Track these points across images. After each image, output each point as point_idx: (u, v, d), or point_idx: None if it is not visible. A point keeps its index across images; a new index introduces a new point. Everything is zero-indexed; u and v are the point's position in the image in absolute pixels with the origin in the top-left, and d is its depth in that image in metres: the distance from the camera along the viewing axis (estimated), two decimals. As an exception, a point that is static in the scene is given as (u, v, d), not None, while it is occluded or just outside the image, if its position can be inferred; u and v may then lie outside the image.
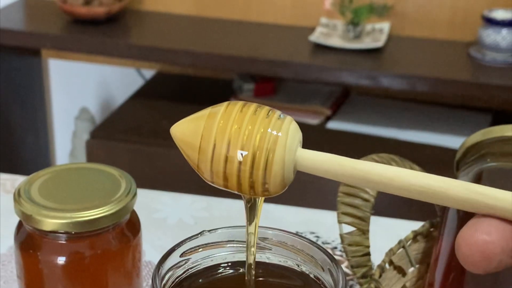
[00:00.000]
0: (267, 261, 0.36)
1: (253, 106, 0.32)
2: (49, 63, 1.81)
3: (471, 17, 1.51)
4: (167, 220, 0.65)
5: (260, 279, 0.36)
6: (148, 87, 1.73)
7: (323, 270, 0.34)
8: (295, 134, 0.31)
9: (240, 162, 0.30)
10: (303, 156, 0.30)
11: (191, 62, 1.50)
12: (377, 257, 0.48)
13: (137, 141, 1.50)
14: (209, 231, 0.35)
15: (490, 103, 1.56)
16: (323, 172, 0.30)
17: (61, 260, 0.43)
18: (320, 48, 1.49)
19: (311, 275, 0.35)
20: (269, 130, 0.30)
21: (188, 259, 0.35)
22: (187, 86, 1.74)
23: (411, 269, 0.49)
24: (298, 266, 0.35)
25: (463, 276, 0.44)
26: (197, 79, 1.76)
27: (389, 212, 0.67)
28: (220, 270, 0.36)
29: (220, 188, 0.31)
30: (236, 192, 0.31)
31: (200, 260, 0.35)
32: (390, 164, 0.49)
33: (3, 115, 1.66)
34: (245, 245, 0.36)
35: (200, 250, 0.35)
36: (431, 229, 0.50)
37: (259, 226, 0.36)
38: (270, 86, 1.64)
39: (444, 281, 0.44)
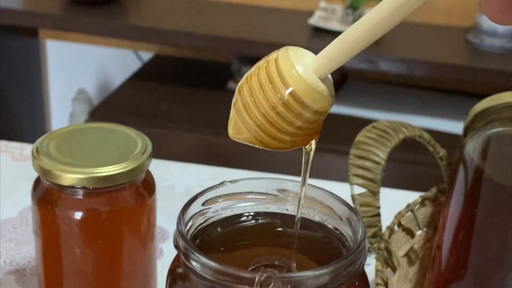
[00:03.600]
0: (286, 212, 0.37)
1: (252, 68, 0.33)
2: (47, 44, 1.80)
3: (469, 2, 1.52)
4: (175, 189, 0.66)
5: (279, 229, 0.37)
6: (145, 69, 1.74)
7: (341, 220, 0.35)
8: (295, 53, 0.31)
9: (274, 109, 0.31)
10: (317, 63, 0.31)
11: (190, 43, 1.50)
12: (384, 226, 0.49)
13: (134, 122, 1.50)
14: (230, 181, 0.36)
15: (487, 88, 1.58)
16: (340, 60, 0.31)
17: (78, 215, 0.44)
18: (319, 31, 1.50)
19: (330, 226, 0.36)
20: (273, 66, 0.31)
21: (209, 208, 0.36)
22: (185, 69, 1.74)
23: (419, 232, 0.50)
24: (317, 217, 0.36)
25: (471, 239, 0.45)
26: (195, 62, 1.77)
27: (395, 185, 0.68)
28: (239, 220, 0.36)
29: (296, 147, 0.32)
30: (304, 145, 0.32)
31: (221, 210, 0.36)
32: (400, 129, 0.50)
33: (0, 96, 1.66)
34: (264, 197, 0.37)
35: (220, 200, 0.36)
36: (438, 195, 0.51)
37: (277, 178, 0.37)
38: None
39: (452, 244, 0.45)
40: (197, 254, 0.31)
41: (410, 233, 0.49)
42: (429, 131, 0.53)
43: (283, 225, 0.37)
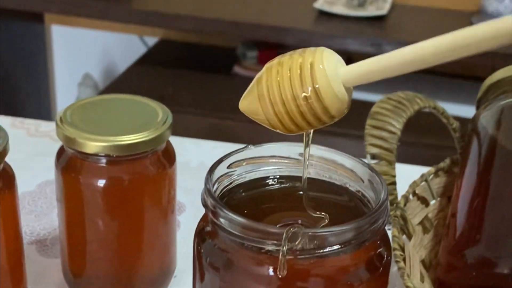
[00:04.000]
0: (308, 176, 0.38)
1: (286, 56, 0.34)
2: (52, 29, 1.81)
3: (474, -14, 1.53)
4: (190, 164, 0.67)
5: (301, 193, 0.37)
6: (151, 54, 1.74)
7: (363, 182, 0.36)
8: (329, 55, 0.32)
9: (297, 106, 0.32)
10: (347, 71, 0.32)
11: (195, 27, 1.51)
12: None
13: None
14: (254, 145, 0.37)
15: (492, 71, 1.58)
16: (370, 77, 0.32)
17: (101, 182, 0.45)
18: (324, 15, 1.50)
19: (352, 189, 0.37)
20: (307, 61, 0.32)
21: (234, 171, 0.37)
22: (190, 54, 1.75)
23: (433, 201, 0.51)
24: (339, 180, 0.37)
25: (485, 206, 0.46)
26: (200, 47, 1.77)
27: (407, 160, 0.69)
28: (263, 183, 0.37)
29: (295, 133, 0.33)
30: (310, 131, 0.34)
31: (245, 173, 0.37)
32: (415, 101, 0.51)
33: (6, 81, 1.66)
34: (286, 161, 0.38)
35: (244, 163, 0.37)
36: (452, 165, 0.52)
37: (299, 143, 0.38)
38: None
39: (466, 212, 0.46)
40: (225, 211, 0.32)
41: (424, 202, 0.50)
42: (432, 114, 0.53)
43: (307, 189, 0.38)
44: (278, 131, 0.34)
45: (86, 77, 1.76)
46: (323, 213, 0.35)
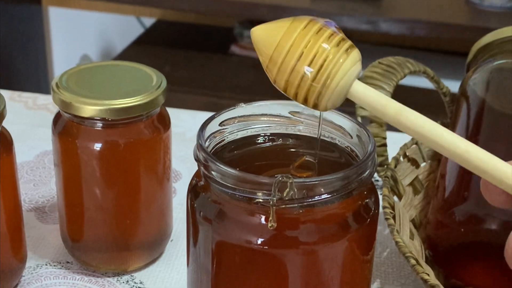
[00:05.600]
0: (299, 133, 0.39)
1: (329, 30, 0.33)
2: (50, 11, 1.81)
3: (470, -37, 1.53)
4: (186, 134, 0.68)
5: (292, 150, 0.38)
6: (148, 34, 1.75)
7: (352, 138, 0.37)
8: (357, 67, 0.33)
9: (302, 76, 0.32)
10: (357, 88, 0.33)
11: (191, 7, 1.51)
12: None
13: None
14: (245, 104, 0.38)
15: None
16: (369, 108, 0.32)
17: (97, 146, 0.46)
18: (320, -7, 1.51)
19: (341, 144, 0.38)
20: (338, 56, 0.32)
21: (225, 129, 0.38)
22: (188, 34, 1.75)
23: (423, 164, 0.52)
24: (328, 136, 0.38)
25: (470, 172, 0.47)
26: (197, 27, 1.78)
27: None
28: (254, 141, 0.38)
29: (281, 91, 0.33)
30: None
31: (236, 130, 0.38)
32: (405, 65, 0.51)
33: (4, 63, 1.67)
34: (277, 119, 0.39)
35: (236, 121, 0.38)
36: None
37: (290, 102, 0.39)
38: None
39: (455, 171, 0.47)
40: (217, 163, 0.33)
41: (415, 164, 0.51)
42: (429, 90, 0.54)
43: (296, 146, 0.39)
44: (269, 75, 0.33)
45: (84, 58, 1.76)
46: (312, 163, 0.35)
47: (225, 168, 0.33)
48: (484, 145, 0.47)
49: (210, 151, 0.36)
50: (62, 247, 0.51)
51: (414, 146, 0.51)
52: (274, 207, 0.32)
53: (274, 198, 0.32)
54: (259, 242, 0.33)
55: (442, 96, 0.54)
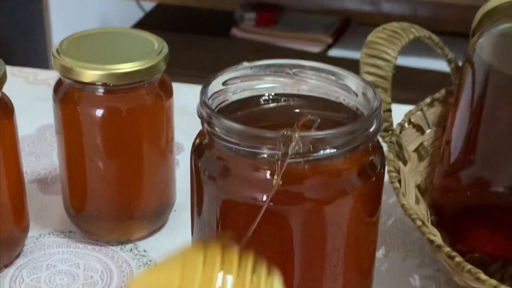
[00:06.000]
0: (303, 93, 0.38)
1: (234, 257, 0.28)
2: (49, -5, 1.80)
3: None
4: (188, 108, 0.67)
5: (297, 110, 0.38)
6: (148, 18, 1.74)
7: (357, 96, 0.37)
8: None
9: None
10: None
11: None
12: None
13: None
14: (248, 63, 0.38)
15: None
16: None
17: (99, 112, 0.45)
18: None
19: (347, 104, 0.37)
20: None
21: (229, 88, 0.37)
22: (188, 18, 1.75)
23: (428, 130, 0.51)
24: (333, 96, 0.38)
25: (479, 128, 0.46)
26: (197, 11, 1.77)
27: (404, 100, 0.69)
28: (258, 101, 0.38)
29: None
30: None
31: (240, 90, 0.38)
32: (410, 30, 0.51)
33: (4, 50, 1.66)
34: (282, 79, 0.38)
35: (239, 81, 0.37)
36: (447, 96, 0.53)
37: (294, 61, 0.38)
38: (271, 15, 1.65)
39: (461, 136, 0.47)
40: (221, 119, 0.33)
41: (420, 130, 0.50)
42: (431, 71, 0.54)
43: (301, 106, 0.38)
44: None
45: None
46: (316, 121, 0.35)
47: (229, 123, 0.32)
48: (490, 109, 0.47)
49: (214, 109, 0.36)
50: (65, 217, 0.51)
51: (419, 112, 0.51)
52: (279, 162, 0.32)
53: (279, 153, 0.31)
54: (263, 198, 0.33)
55: (447, 63, 0.53)
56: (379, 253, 0.50)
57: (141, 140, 0.48)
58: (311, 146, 0.32)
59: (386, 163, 0.44)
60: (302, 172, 0.32)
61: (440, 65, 1.48)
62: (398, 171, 0.45)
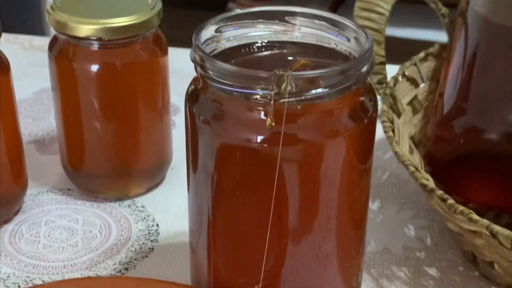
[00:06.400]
0: (296, 40, 0.38)
1: None
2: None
3: None
4: (183, 71, 0.67)
5: (290, 58, 0.38)
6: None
7: (350, 41, 0.37)
8: None
9: None
10: None
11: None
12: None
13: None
14: (241, 10, 0.38)
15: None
16: None
17: (94, 68, 0.46)
18: None
19: (339, 49, 0.37)
20: None
21: (221, 35, 0.37)
22: (184, -7, 1.74)
23: (422, 84, 0.51)
24: (326, 42, 0.38)
25: (471, 78, 0.47)
26: (194, -14, 1.76)
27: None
28: (251, 48, 0.38)
29: None
30: None
31: (233, 37, 0.38)
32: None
33: None
34: (274, 26, 0.38)
35: (232, 28, 0.38)
36: (441, 51, 0.53)
37: (287, 7, 0.38)
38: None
39: (454, 87, 0.47)
40: (214, 61, 0.33)
41: (414, 83, 0.50)
42: (423, 42, 0.54)
43: (294, 53, 0.38)
44: None
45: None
46: (309, 66, 0.35)
47: (222, 64, 0.33)
48: (483, 59, 0.47)
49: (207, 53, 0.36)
50: (63, 175, 0.52)
51: (413, 66, 0.51)
52: (272, 102, 0.32)
53: (272, 93, 0.32)
54: (257, 139, 0.33)
55: (440, 17, 0.54)
56: (374, 206, 0.50)
57: (137, 96, 0.48)
58: (303, 86, 0.32)
59: (380, 113, 0.44)
60: (295, 112, 0.33)
61: (437, 36, 1.48)
62: (392, 122, 0.45)
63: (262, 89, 0.32)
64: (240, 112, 0.34)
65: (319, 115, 0.33)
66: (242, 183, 0.35)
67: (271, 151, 0.33)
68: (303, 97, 0.32)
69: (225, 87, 0.33)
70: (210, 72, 0.34)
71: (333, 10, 1.59)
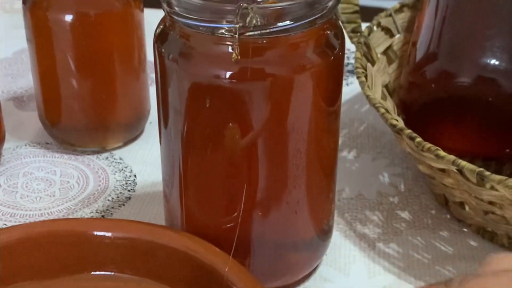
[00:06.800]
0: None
1: None
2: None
3: None
4: (163, 31, 0.68)
5: None
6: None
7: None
8: None
9: None
10: None
11: None
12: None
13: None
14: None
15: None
16: None
17: (68, 18, 0.46)
18: None
19: None
20: None
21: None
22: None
23: (398, 35, 0.52)
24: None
25: (443, 25, 0.47)
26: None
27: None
28: None
29: None
30: None
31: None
32: None
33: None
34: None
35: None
36: (417, 2, 0.53)
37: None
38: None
39: (426, 36, 0.47)
40: (180, -3, 0.33)
41: (389, 33, 0.51)
42: None
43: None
44: None
45: None
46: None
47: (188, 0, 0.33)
48: (454, 6, 0.47)
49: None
50: (41, 130, 0.52)
51: (388, 17, 0.51)
52: (237, 36, 0.32)
53: (237, 26, 0.32)
54: (224, 75, 0.34)
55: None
56: (350, 155, 0.51)
57: (112, 49, 0.48)
58: (268, 18, 0.32)
59: (354, 63, 0.44)
60: (261, 46, 0.33)
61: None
62: (365, 69, 0.45)
63: (228, 22, 0.33)
64: (207, 47, 0.34)
65: (285, 49, 0.34)
66: (211, 122, 0.36)
67: (237, 87, 0.34)
68: (268, 30, 0.33)
69: (191, 21, 0.33)
70: (176, 8, 0.34)
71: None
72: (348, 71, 0.61)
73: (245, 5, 0.32)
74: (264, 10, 0.32)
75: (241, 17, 0.32)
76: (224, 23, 0.33)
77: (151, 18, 0.52)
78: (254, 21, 0.32)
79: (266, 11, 0.32)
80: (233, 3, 0.33)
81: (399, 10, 0.52)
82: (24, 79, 0.59)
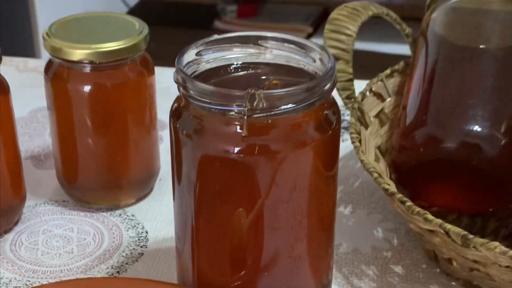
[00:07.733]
0: (268, 61, 0.43)
1: None
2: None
3: None
4: (170, 89, 0.72)
5: (263, 77, 0.43)
6: (132, 13, 1.78)
7: (315, 62, 0.41)
8: None
9: None
10: None
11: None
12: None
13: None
14: (218, 35, 0.42)
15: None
16: None
17: (86, 88, 0.50)
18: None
19: (307, 69, 0.42)
20: None
21: (201, 58, 0.42)
22: (171, 12, 1.79)
23: (389, 99, 0.56)
24: (295, 63, 0.42)
25: (431, 91, 0.51)
26: (181, 6, 1.81)
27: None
28: (228, 69, 0.42)
29: None
30: None
31: (212, 60, 0.42)
32: (369, 8, 0.55)
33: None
34: (249, 49, 0.43)
35: (211, 51, 0.42)
36: (406, 68, 0.57)
37: (260, 32, 0.43)
38: (253, 7, 1.69)
39: (415, 101, 0.52)
40: (194, 82, 0.37)
41: (380, 98, 0.55)
42: (404, 56, 0.58)
43: (267, 73, 0.43)
44: None
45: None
46: (280, 85, 0.39)
47: (202, 85, 0.37)
48: (440, 75, 0.52)
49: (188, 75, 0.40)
50: (58, 188, 0.56)
51: (379, 82, 0.55)
52: (245, 117, 0.36)
53: (246, 109, 0.36)
54: (234, 150, 0.38)
55: (405, 37, 0.58)
56: (346, 210, 0.54)
57: (126, 114, 0.52)
58: (273, 102, 0.36)
59: (349, 128, 0.48)
60: (267, 126, 0.37)
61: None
62: (359, 133, 0.50)
63: (237, 106, 0.37)
64: (218, 126, 0.38)
65: (288, 128, 0.38)
66: (221, 191, 0.40)
67: (246, 161, 0.38)
68: (273, 112, 0.37)
69: (204, 104, 0.37)
70: (191, 91, 0.38)
71: (316, 26, 1.65)
72: (343, 128, 0.65)
73: (252, 91, 0.36)
74: (269, 95, 0.37)
75: (249, 101, 0.36)
76: (234, 106, 0.37)
77: (159, 77, 0.56)
78: (261, 105, 0.36)
79: (271, 96, 0.37)
80: (241, 89, 0.38)
81: (390, 75, 0.56)
82: (41, 138, 0.63)
